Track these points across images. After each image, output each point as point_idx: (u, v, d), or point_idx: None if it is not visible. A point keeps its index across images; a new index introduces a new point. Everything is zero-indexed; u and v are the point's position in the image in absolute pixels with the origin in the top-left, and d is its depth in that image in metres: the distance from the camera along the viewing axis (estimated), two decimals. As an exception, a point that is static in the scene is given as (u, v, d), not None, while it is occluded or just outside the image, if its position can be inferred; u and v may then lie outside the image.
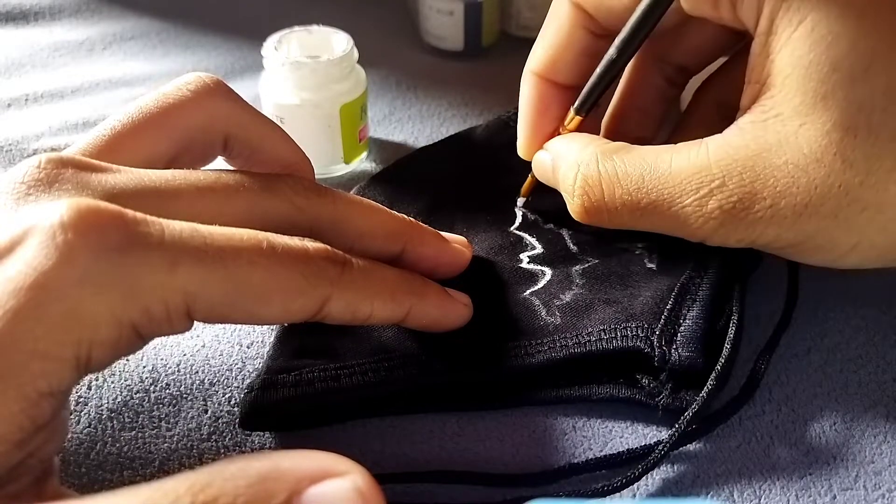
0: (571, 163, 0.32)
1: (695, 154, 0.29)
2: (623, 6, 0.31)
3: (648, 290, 0.32)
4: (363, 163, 0.44)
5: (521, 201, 0.38)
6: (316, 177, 0.32)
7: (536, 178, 0.37)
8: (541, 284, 0.33)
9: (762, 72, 0.28)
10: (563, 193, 0.33)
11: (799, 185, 0.27)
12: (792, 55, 0.27)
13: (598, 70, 0.33)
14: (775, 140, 0.27)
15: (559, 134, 0.35)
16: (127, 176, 0.24)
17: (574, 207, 0.33)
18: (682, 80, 0.37)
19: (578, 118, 0.34)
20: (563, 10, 0.34)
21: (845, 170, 0.26)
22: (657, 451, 0.28)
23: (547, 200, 0.38)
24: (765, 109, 0.28)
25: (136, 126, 0.27)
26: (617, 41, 0.31)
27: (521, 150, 0.37)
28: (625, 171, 0.30)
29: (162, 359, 0.32)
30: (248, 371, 0.32)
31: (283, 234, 0.25)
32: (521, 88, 0.36)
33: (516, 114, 0.43)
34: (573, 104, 0.34)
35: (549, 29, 0.35)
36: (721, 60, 0.37)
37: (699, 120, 0.36)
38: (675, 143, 0.30)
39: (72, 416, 0.30)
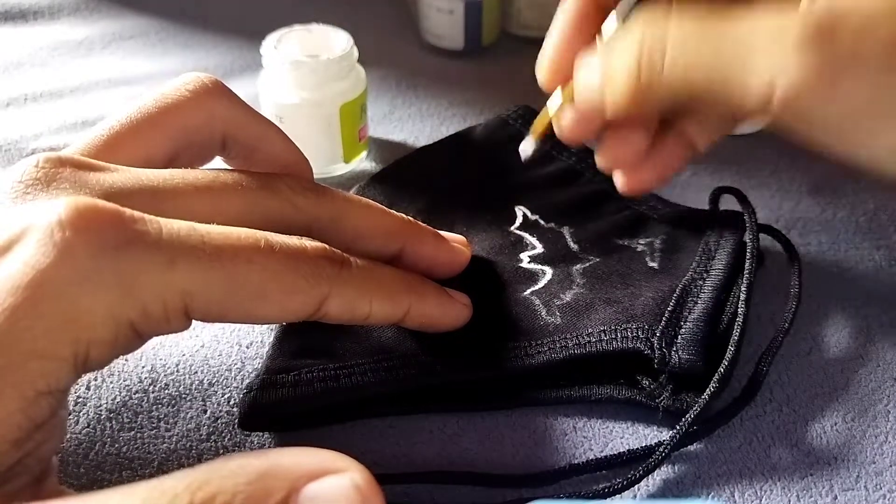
0: (636, 32, 0.28)
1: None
2: None
3: (650, 290, 0.32)
4: (363, 162, 0.44)
5: (528, 145, 0.34)
6: (315, 176, 0.32)
7: (550, 116, 0.33)
8: (541, 284, 0.33)
9: None
10: (612, 75, 0.29)
11: (889, 16, 0.24)
12: None
13: None
14: None
15: None
16: (125, 175, 0.24)
17: (624, 72, 0.28)
18: None
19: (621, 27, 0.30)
20: None
21: None
22: (658, 452, 0.28)
23: (547, 199, 0.38)
24: None
25: (135, 126, 0.27)
26: None
27: (544, 70, 0.32)
28: (694, 20, 0.27)
29: (161, 359, 0.32)
30: (248, 371, 0.32)
31: (282, 233, 0.25)
32: (559, 6, 0.32)
33: (516, 113, 0.43)
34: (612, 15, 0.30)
35: None
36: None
37: None
38: None
39: (70, 417, 0.30)
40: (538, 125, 0.34)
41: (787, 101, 0.26)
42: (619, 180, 0.34)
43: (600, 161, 0.33)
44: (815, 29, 0.25)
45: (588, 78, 0.30)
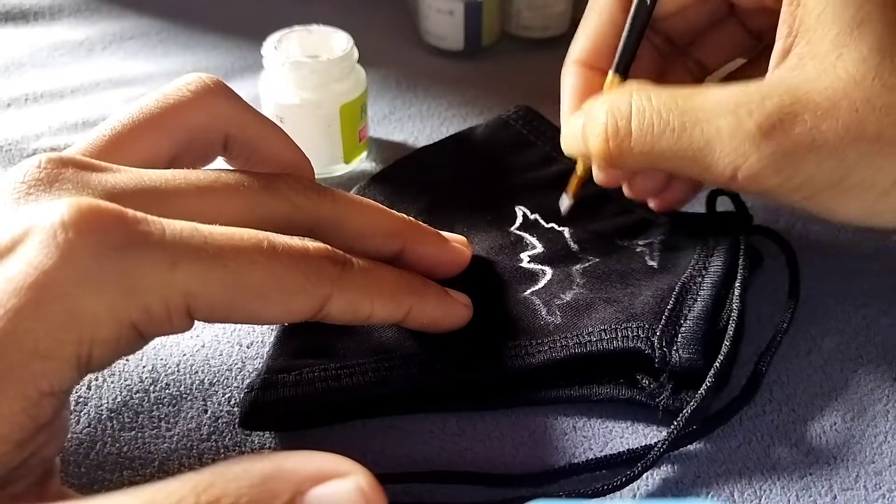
0: (603, 101, 0.31)
1: (732, 85, 0.29)
2: None
3: (649, 288, 0.32)
4: (363, 163, 0.44)
5: (564, 202, 0.37)
6: (316, 177, 0.32)
7: (583, 174, 0.36)
8: (541, 284, 0.33)
9: (794, 22, 0.29)
10: (588, 138, 0.32)
11: (840, 108, 0.27)
12: None
13: (628, 20, 0.33)
14: (814, 73, 0.27)
15: None
16: (127, 175, 0.24)
17: (597, 137, 0.31)
18: (701, 76, 0.38)
19: (617, 79, 0.34)
20: None
21: (884, 92, 0.26)
22: (657, 447, 0.28)
23: (547, 200, 0.38)
24: (801, 54, 0.28)
25: (137, 126, 0.27)
26: None
27: (563, 139, 0.35)
28: (658, 97, 0.30)
29: (162, 359, 0.32)
30: (248, 371, 0.32)
31: (284, 233, 0.25)
32: (562, 81, 0.36)
33: (517, 114, 0.43)
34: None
35: (591, 16, 0.36)
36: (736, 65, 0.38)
37: None
38: None
39: (71, 416, 0.30)
40: (571, 185, 0.36)
41: (751, 185, 0.28)
42: (651, 203, 0.36)
43: (627, 193, 0.36)
44: (770, 125, 0.27)
45: (573, 138, 0.34)
